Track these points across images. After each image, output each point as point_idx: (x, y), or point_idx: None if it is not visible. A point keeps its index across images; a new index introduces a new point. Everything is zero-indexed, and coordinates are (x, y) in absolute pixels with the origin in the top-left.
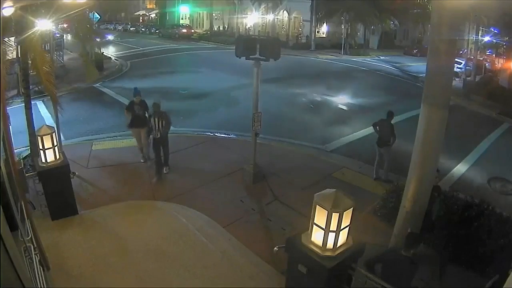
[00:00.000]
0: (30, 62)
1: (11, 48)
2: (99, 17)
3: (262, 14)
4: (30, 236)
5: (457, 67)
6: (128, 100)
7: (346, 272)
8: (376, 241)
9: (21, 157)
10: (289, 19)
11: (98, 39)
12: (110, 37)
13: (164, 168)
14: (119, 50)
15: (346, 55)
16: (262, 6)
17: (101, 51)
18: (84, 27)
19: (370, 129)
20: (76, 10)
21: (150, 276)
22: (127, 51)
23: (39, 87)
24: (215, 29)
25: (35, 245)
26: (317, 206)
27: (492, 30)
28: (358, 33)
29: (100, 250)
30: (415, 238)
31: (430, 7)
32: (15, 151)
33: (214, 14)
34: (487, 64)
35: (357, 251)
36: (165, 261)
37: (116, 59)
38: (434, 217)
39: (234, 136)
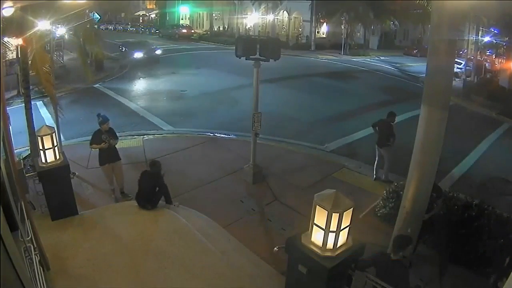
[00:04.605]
0: (30, 62)
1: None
2: (99, 18)
3: (262, 15)
4: (30, 236)
5: (457, 68)
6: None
7: (346, 273)
8: (376, 241)
9: (21, 157)
10: (289, 19)
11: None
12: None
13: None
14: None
15: (346, 56)
16: (262, 7)
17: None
18: (86, 27)
19: (369, 130)
20: (76, 11)
21: (150, 276)
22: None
23: (39, 88)
24: (215, 29)
25: (35, 245)
26: (317, 206)
27: (492, 30)
28: (358, 34)
29: (100, 250)
30: (404, 240)
31: (430, 8)
32: (15, 151)
33: (214, 15)
34: (487, 65)
35: (357, 251)
36: (165, 261)
37: (116, 59)
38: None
39: (234, 137)
